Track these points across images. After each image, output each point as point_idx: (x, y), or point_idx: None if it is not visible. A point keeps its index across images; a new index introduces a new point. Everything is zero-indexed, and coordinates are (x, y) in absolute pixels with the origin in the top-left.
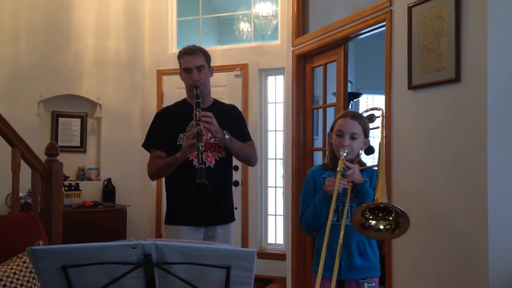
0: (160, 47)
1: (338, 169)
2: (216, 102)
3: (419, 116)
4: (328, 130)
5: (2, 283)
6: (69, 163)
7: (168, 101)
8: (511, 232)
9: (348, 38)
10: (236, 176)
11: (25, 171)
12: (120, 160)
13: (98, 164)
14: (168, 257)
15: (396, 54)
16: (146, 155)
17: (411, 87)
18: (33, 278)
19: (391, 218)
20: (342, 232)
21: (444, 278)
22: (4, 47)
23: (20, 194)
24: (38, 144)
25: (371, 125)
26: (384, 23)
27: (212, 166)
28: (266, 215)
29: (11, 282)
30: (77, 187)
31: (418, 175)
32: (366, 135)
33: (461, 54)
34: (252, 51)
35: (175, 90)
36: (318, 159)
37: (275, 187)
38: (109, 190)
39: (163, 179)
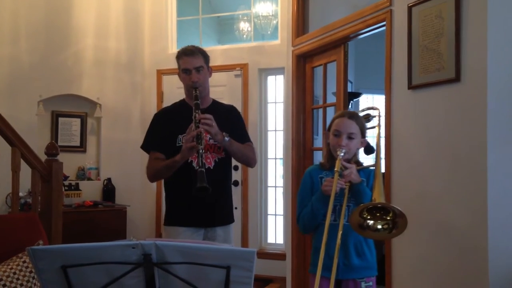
0: (160, 47)
1: (335, 169)
2: (215, 103)
3: (419, 116)
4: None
5: (2, 282)
6: (69, 163)
7: (168, 101)
8: (511, 232)
9: (348, 38)
10: (236, 176)
11: (25, 171)
12: (120, 160)
13: (98, 164)
14: (168, 257)
15: (396, 54)
16: (146, 155)
17: (411, 87)
18: (33, 278)
19: (388, 218)
20: (340, 232)
21: (444, 278)
22: (4, 47)
23: (20, 194)
24: (38, 144)
25: (368, 125)
26: (384, 23)
27: (211, 167)
28: (266, 215)
29: (11, 282)
30: (77, 187)
31: (418, 175)
32: (363, 135)
33: (461, 54)
34: (252, 51)
35: (175, 90)
36: (318, 159)
37: (275, 187)
38: (109, 190)
39: (163, 180)
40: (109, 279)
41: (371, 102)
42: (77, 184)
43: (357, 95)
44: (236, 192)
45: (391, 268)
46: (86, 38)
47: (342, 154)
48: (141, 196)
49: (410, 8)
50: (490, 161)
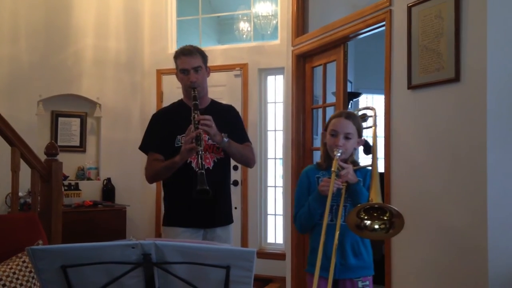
0: (160, 46)
1: (332, 169)
2: (213, 103)
3: (419, 116)
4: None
5: (2, 282)
6: (69, 163)
7: (167, 101)
8: (510, 232)
9: (347, 37)
10: (236, 176)
11: (25, 171)
12: (119, 160)
13: (97, 163)
14: (168, 256)
15: (395, 54)
16: (145, 155)
17: (410, 86)
18: (33, 277)
19: (385, 218)
20: (337, 233)
21: (443, 277)
22: (4, 46)
23: (20, 194)
24: (37, 143)
25: (365, 125)
26: (383, 22)
27: (210, 168)
28: (266, 214)
29: (11, 282)
30: (76, 187)
31: (418, 175)
32: (360, 135)
33: (461, 53)
34: (251, 50)
35: (175, 90)
36: (318, 158)
37: (275, 186)
38: (108, 190)
39: (162, 180)
40: (109, 279)
41: (371, 102)
42: (76, 184)
43: (357, 95)
44: (235, 192)
45: (390, 268)
46: (86, 38)
47: (339, 154)
48: (140, 196)
49: (409, 8)
50: (489, 161)
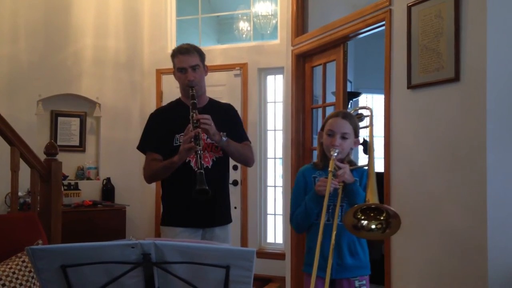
0: (160, 46)
1: (329, 169)
2: (211, 102)
3: (419, 115)
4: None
5: (1, 282)
6: (68, 163)
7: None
8: (510, 231)
9: (347, 37)
10: (236, 175)
11: (24, 171)
12: (119, 160)
13: (97, 163)
14: (168, 256)
15: (395, 54)
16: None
17: (410, 86)
18: (32, 277)
19: (382, 218)
20: (334, 233)
21: (443, 277)
22: (3, 46)
23: (19, 194)
24: (37, 143)
25: (362, 124)
26: (383, 22)
27: (209, 167)
28: (266, 214)
29: (10, 282)
30: (76, 187)
31: (418, 175)
32: (357, 135)
33: (461, 53)
34: (251, 50)
35: (175, 90)
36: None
37: (275, 186)
38: (108, 190)
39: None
40: (109, 278)
41: (371, 102)
42: (76, 184)
43: (357, 94)
44: (235, 192)
45: (390, 267)
46: (86, 37)
47: (335, 154)
48: (140, 195)
49: (409, 8)
50: (489, 161)
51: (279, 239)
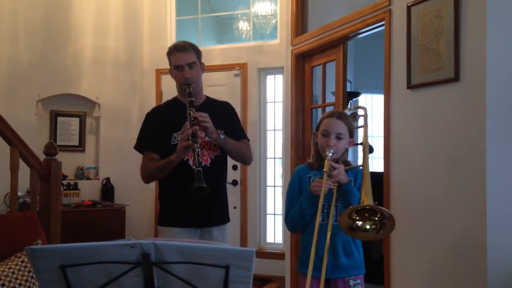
0: (159, 46)
1: (324, 169)
2: (208, 100)
3: (418, 115)
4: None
5: (1, 282)
6: (68, 162)
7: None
8: (509, 231)
9: (347, 37)
10: (235, 175)
11: (24, 170)
12: (118, 159)
13: (96, 163)
14: (167, 256)
15: (395, 54)
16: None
17: (410, 86)
18: (32, 277)
19: (376, 218)
20: (329, 233)
21: (443, 277)
22: (3, 46)
23: (19, 194)
24: (36, 143)
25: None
26: (383, 22)
27: (208, 165)
28: (265, 214)
29: (10, 282)
30: (75, 187)
31: (417, 175)
32: (352, 135)
33: (460, 53)
34: (251, 50)
35: (174, 89)
36: None
37: (274, 186)
38: (107, 189)
39: None
40: (108, 278)
41: (370, 102)
42: (76, 184)
43: (356, 94)
44: (235, 192)
45: (390, 267)
46: (85, 37)
47: (330, 154)
48: (140, 195)
49: (409, 8)
50: (489, 161)
51: (279, 239)
